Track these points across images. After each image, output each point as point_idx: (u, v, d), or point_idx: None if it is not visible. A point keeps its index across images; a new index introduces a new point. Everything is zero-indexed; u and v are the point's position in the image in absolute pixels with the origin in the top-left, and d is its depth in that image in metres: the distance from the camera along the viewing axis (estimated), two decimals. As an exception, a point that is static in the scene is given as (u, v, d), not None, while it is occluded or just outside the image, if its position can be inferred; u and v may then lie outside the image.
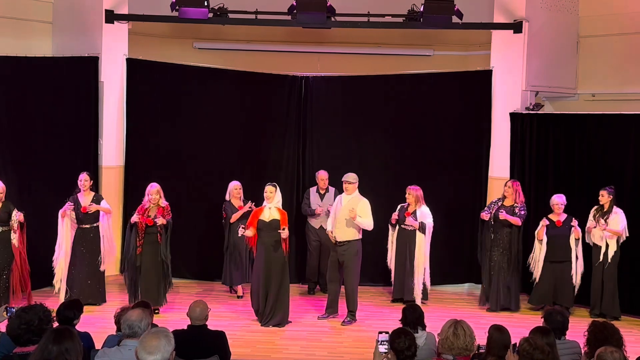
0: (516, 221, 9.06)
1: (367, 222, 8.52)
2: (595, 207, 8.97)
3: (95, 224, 8.91)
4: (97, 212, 8.89)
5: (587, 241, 9.02)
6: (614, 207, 8.85)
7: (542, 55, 10.52)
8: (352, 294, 8.58)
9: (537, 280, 9.15)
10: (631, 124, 9.30)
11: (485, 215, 9.15)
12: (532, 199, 9.94)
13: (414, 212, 9.36)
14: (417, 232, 9.32)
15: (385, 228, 9.63)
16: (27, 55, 9.77)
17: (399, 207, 9.52)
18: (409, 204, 9.43)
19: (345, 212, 8.44)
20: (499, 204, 9.24)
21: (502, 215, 9.03)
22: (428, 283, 9.49)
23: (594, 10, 10.76)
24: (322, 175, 9.83)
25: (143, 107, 10.55)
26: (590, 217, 8.96)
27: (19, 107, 9.53)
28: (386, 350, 4.76)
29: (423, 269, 9.37)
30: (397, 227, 9.50)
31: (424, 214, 9.37)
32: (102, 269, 8.91)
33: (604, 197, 8.86)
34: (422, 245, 9.35)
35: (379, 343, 4.89)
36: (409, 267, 9.38)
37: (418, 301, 9.02)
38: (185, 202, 10.19)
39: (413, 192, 9.37)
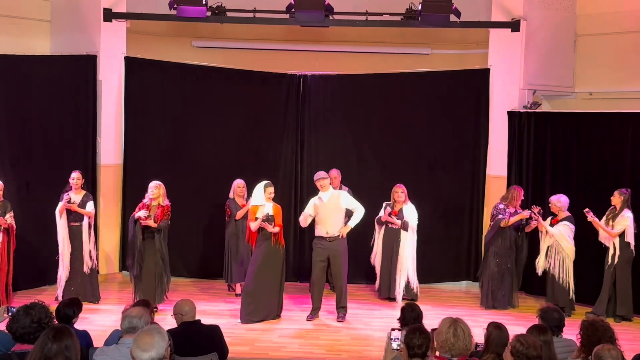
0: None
1: (359, 213, 8.62)
2: (611, 207, 8.85)
3: (80, 223, 8.87)
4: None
5: (599, 240, 8.92)
6: (625, 209, 8.71)
7: (539, 54, 10.53)
8: (345, 289, 8.64)
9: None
10: (629, 122, 9.31)
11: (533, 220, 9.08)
12: (529, 196, 9.97)
13: (401, 210, 9.39)
14: (402, 230, 9.35)
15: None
16: (25, 53, 9.79)
17: (384, 204, 9.54)
18: (395, 202, 9.45)
19: (332, 208, 8.49)
20: (509, 210, 9.18)
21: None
22: (413, 282, 9.46)
23: (591, 9, 10.75)
24: (333, 174, 9.74)
25: (141, 105, 10.54)
26: (604, 218, 8.84)
27: (17, 106, 9.53)
28: (399, 348, 4.77)
29: (407, 268, 9.38)
30: (384, 225, 9.53)
31: (411, 212, 9.41)
32: (85, 271, 8.83)
33: (615, 197, 8.75)
34: (407, 244, 9.38)
35: (391, 340, 4.90)
36: (393, 266, 9.42)
37: (399, 300, 9.13)
38: (182, 201, 10.16)
39: (404, 190, 9.41)
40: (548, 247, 9.02)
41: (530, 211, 9.04)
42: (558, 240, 8.93)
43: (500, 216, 9.17)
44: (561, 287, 8.96)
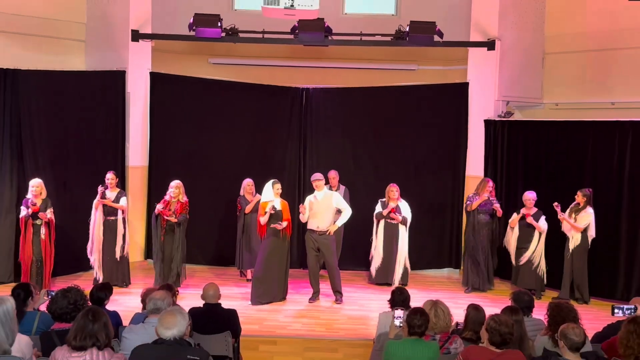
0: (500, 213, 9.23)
1: (346, 214, 8.61)
2: (575, 202, 8.84)
3: (115, 217, 8.90)
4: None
5: (563, 230, 8.90)
6: (588, 206, 8.73)
7: (512, 69, 10.56)
8: (338, 276, 8.67)
9: (514, 263, 9.13)
10: (590, 129, 9.35)
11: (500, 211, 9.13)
12: (503, 194, 10.01)
13: (397, 207, 9.42)
14: (400, 224, 9.39)
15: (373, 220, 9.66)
16: (63, 69, 9.85)
17: (380, 202, 9.55)
18: (389, 199, 9.45)
19: (324, 206, 8.51)
20: (476, 198, 9.24)
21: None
22: (409, 268, 9.54)
23: (557, 30, 10.78)
24: (332, 174, 9.81)
25: (164, 114, 10.59)
26: (567, 211, 8.84)
27: (57, 115, 9.56)
28: (401, 325, 4.91)
29: (405, 257, 9.43)
30: (384, 220, 9.53)
31: (406, 209, 9.45)
32: (117, 257, 8.86)
33: (579, 196, 8.76)
34: (404, 236, 9.43)
35: (394, 318, 5.03)
36: (394, 256, 9.43)
37: (396, 284, 9.12)
38: (200, 198, 10.18)
39: (397, 189, 9.41)
40: (538, 242, 8.97)
41: (500, 207, 9.13)
42: (543, 234, 8.95)
43: (468, 202, 9.28)
44: (537, 274, 8.97)
